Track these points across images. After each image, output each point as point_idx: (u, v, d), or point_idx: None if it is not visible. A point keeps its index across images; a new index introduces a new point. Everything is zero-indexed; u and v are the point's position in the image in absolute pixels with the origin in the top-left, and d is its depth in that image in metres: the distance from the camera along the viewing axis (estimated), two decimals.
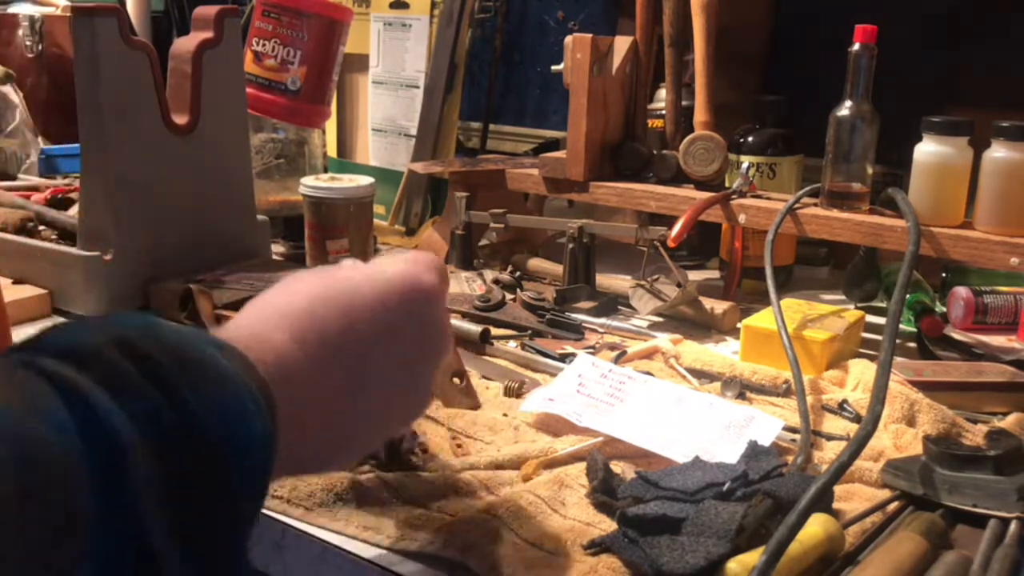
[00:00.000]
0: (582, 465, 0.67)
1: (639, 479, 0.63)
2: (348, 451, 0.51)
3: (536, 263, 1.18)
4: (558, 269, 1.13)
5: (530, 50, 1.70)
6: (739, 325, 0.92)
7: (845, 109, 0.97)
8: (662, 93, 1.22)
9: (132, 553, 0.33)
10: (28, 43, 1.67)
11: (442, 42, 1.38)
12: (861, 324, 0.95)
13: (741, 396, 0.82)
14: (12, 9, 1.72)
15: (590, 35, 1.09)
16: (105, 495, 0.32)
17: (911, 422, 0.75)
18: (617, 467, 0.66)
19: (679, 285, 1.01)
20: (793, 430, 0.73)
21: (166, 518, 0.34)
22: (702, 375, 0.87)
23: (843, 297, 1.09)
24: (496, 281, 1.10)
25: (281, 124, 1.30)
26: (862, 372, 0.84)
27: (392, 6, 1.43)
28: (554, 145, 1.52)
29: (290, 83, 1.26)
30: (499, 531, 0.58)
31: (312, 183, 1.07)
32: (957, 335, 1.00)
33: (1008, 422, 0.76)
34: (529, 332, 0.98)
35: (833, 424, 0.77)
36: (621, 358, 0.88)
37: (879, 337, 0.78)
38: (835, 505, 0.63)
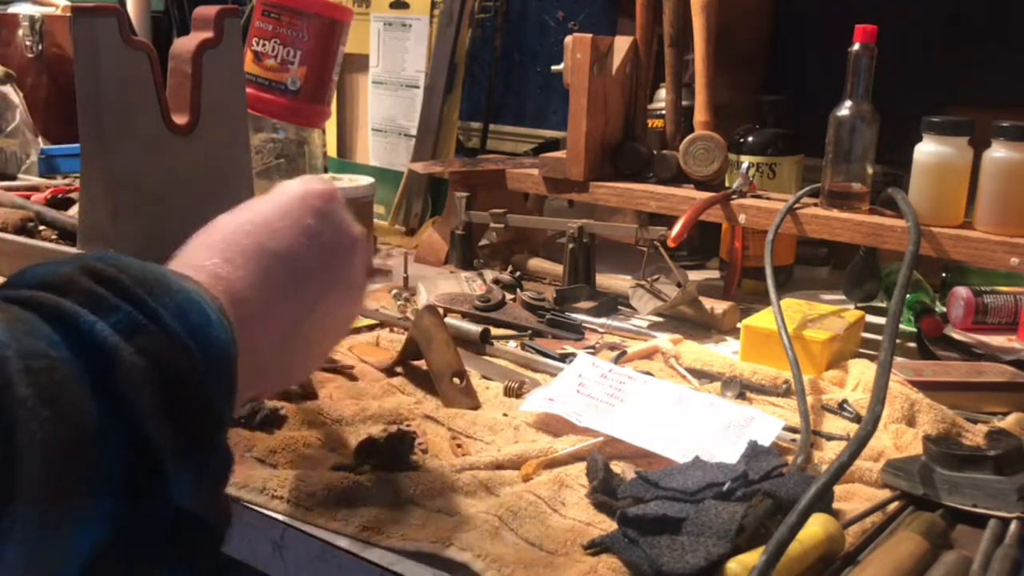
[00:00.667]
0: (582, 465, 0.67)
1: (639, 479, 0.63)
2: (301, 353, 0.56)
3: (536, 263, 1.18)
4: (558, 269, 1.13)
5: (530, 50, 1.70)
6: (739, 325, 0.92)
7: (845, 109, 0.97)
8: (662, 93, 1.22)
9: (132, 450, 0.37)
10: (28, 43, 1.67)
11: (442, 42, 1.38)
12: (861, 324, 0.95)
13: (741, 396, 0.82)
14: (12, 9, 1.72)
15: (590, 35, 1.09)
16: (104, 399, 0.37)
17: (911, 422, 0.75)
18: (617, 467, 0.66)
19: (679, 285, 1.01)
20: (793, 430, 0.73)
21: (156, 409, 0.38)
22: (702, 375, 0.87)
23: (843, 297, 1.09)
24: (496, 281, 1.10)
25: (281, 124, 1.30)
26: (862, 372, 0.84)
27: (392, 6, 1.44)
28: (554, 145, 1.52)
29: (290, 83, 1.26)
30: (499, 531, 0.58)
31: None
32: (957, 335, 1.00)
33: (1008, 422, 0.76)
34: (529, 332, 0.98)
35: (833, 424, 0.77)
36: (621, 358, 0.88)
37: (879, 337, 0.78)
38: (835, 505, 0.63)
